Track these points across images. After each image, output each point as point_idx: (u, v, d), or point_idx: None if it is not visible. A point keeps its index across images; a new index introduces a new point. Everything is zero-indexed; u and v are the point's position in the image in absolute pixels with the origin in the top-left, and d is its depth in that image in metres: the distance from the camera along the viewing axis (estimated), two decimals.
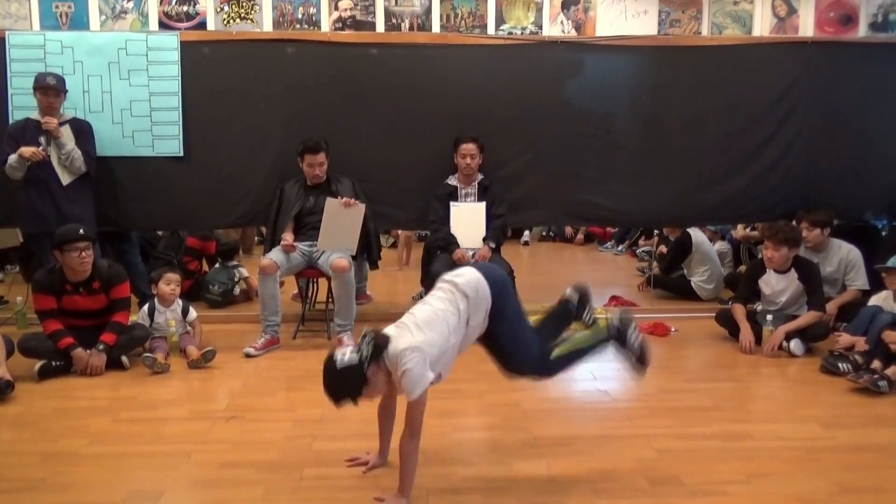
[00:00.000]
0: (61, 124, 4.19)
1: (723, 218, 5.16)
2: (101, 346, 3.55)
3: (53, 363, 3.50)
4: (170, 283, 3.95)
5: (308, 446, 2.66)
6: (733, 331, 4.13)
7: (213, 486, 2.36)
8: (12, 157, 4.09)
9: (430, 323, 2.19)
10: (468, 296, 2.27)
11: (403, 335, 2.13)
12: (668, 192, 4.78)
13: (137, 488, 2.33)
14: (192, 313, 4.03)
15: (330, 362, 2.07)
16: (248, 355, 3.85)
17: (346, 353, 2.07)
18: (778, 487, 2.34)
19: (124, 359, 3.66)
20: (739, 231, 5.89)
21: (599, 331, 2.55)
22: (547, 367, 2.46)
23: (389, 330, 2.18)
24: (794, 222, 4.39)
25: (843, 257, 4.38)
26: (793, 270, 4.04)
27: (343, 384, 2.07)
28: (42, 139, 4.13)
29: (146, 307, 3.95)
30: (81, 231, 3.52)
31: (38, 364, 3.47)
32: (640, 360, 2.58)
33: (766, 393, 3.44)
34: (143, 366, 3.59)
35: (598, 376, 3.54)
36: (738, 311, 4.12)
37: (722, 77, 4.70)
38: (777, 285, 4.07)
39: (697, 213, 4.92)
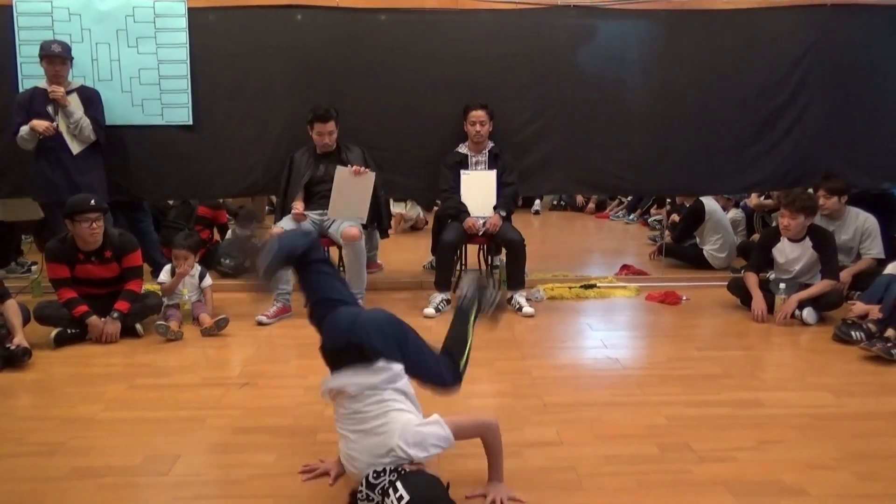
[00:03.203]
0: (69, 93, 4.18)
1: (736, 186, 5.10)
2: (116, 314, 3.59)
3: (69, 331, 3.55)
4: (181, 263, 3.94)
5: (320, 412, 2.68)
6: (745, 299, 4.11)
7: (227, 451, 2.39)
8: (24, 129, 4.10)
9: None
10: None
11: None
12: (681, 159, 4.73)
13: (154, 452, 2.38)
14: (208, 280, 4.05)
15: None
16: (260, 323, 3.89)
17: None
18: (787, 454, 2.35)
19: (138, 326, 3.71)
20: (753, 199, 5.83)
21: (465, 315, 2.33)
22: (456, 375, 2.23)
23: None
24: (810, 190, 4.34)
25: (859, 225, 4.33)
26: (807, 239, 4.00)
27: None
28: (50, 108, 4.13)
29: (168, 266, 3.99)
30: (92, 202, 3.53)
31: (54, 332, 3.52)
32: (495, 308, 2.43)
33: (778, 361, 3.43)
34: (156, 333, 3.63)
35: (609, 344, 3.55)
36: (751, 279, 4.09)
37: (737, 42, 4.60)
38: (791, 254, 4.04)
39: (710, 181, 4.87)
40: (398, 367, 2.00)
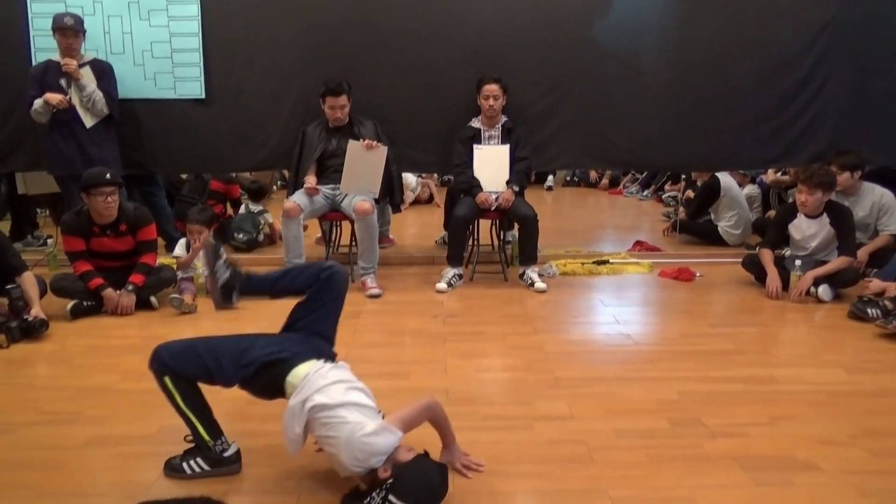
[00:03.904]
0: (81, 66, 4.19)
1: (753, 161, 5.03)
2: (131, 287, 3.63)
3: (85, 303, 3.59)
4: (196, 237, 3.96)
5: None
6: (760, 276, 4.08)
7: (242, 420, 2.42)
8: (38, 102, 4.11)
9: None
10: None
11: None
12: (697, 134, 4.66)
13: (170, 422, 2.39)
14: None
15: None
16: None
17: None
18: (800, 430, 2.34)
19: (153, 299, 3.74)
20: (770, 175, 5.75)
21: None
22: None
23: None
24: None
25: (875, 201, 4.27)
26: (825, 215, 3.95)
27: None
28: (63, 81, 4.13)
29: (183, 240, 4.02)
30: (108, 176, 3.54)
31: (71, 304, 3.57)
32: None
33: (792, 338, 3.42)
34: (171, 306, 3.66)
35: (621, 320, 3.55)
36: (766, 255, 4.06)
37: (755, 14, 4.50)
38: (808, 230, 3.99)
39: (727, 156, 4.80)
40: (294, 402, 1.91)
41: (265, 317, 3.59)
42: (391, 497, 1.72)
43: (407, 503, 1.72)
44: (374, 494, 1.75)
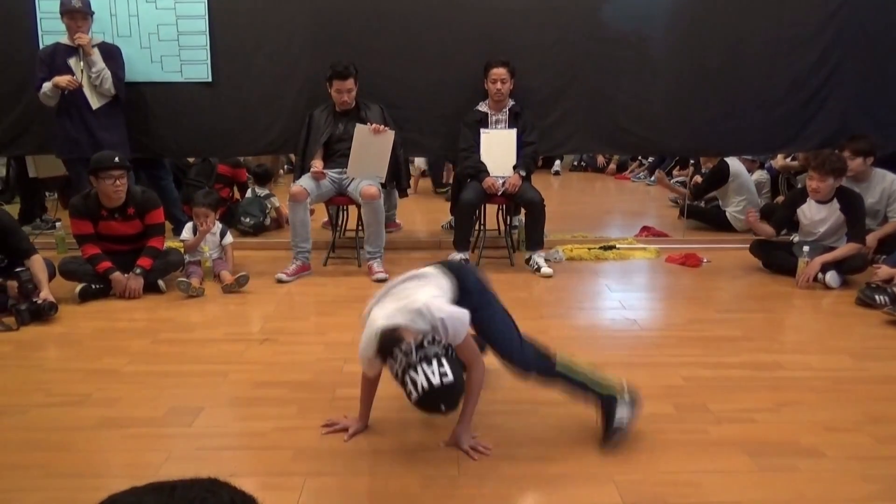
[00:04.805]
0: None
1: (763, 147, 4.99)
2: (139, 270, 3.64)
3: (93, 286, 3.61)
4: (202, 221, 3.97)
5: (339, 369, 2.72)
6: (767, 262, 4.07)
7: (249, 405, 2.44)
8: (46, 86, 4.11)
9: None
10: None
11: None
12: (707, 119, 4.62)
13: (178, 404, 2.43)
14: (229, 237, 4.10)
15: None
16: (279, 281, 3.92)
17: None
18: (805, 416, 2.34)
19: (161, 283, 3.76)
20: (779, 160, 5.71)
21: (605, 386, 2.20)
22: (527, 360, 2.21)
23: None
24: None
25: (885, 187, 4.23)
26: (835, 200, 3.92)
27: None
28: (72, 62, 4.13)
29: (190, 224, 4.04)
30: (117, 159, 3.55)
31: (79, 287, 3.59)
32: (608, 435, 2.16)
33: (798, 324, 3.41)
34: (178, 290, 3.68)
35: (627, 305, 3.54)
36: (764, 225, 4.09)
37: None
38: (817, 215, 3.96)
39: (736, 141, 4.75)
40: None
41: (271, 302, 3.62)
42: (444, 359, 1.77)
43: (452, 375, 1.75)
44: (438, 341, 1.81)
